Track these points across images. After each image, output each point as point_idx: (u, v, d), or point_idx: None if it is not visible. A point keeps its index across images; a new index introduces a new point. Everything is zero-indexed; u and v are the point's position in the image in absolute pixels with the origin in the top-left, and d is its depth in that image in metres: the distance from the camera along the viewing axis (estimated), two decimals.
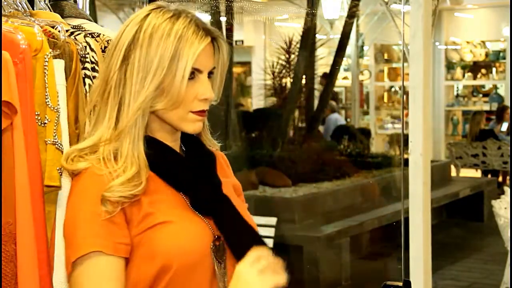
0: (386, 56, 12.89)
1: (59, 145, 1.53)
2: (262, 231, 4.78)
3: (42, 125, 1.52)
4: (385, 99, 13.08)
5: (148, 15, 1.49)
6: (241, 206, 1.59)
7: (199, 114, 1.50)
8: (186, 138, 1.58)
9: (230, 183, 1.64)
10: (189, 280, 1.45)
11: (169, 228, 1.44)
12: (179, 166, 1.52)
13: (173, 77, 1.45)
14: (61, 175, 1.52)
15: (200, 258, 1.46)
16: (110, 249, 1.40)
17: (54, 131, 1.53)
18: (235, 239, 1.50)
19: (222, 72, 1.56)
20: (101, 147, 1.46)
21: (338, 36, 8.94)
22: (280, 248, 5.59)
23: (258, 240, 1.52)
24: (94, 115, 1.50)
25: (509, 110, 10.54)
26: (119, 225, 1.42)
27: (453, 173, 9.95)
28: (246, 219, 1.55)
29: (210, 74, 1.52)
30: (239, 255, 1.47)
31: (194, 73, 1.48)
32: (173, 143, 1.54)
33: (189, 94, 1.48)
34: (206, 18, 7.45)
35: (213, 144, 1.64)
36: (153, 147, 1.49)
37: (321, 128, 9.83)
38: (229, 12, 7.67)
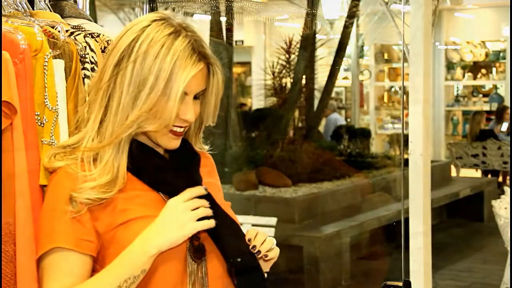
0: (386, 56, 12.89)
1: (55, 145, 1.53)
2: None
3: (41, 125, 1.52)
4: (385, 99, 13.08)
5: (148, 26, 1.47)
6: (224, 204, 1.59)
7: (174, 133, 1.50)
8: None
9: (214, 184, 1.64)
10: (163, 276, 1.45)
11: (142, 223, 1.44)
12: (159, 167, 1.52)
13: (166, 100, 1.44)
14: None
15: (173, 255, 1.45)
16: (71, 244, 1.42)
17: (51, 131, 1.53)
18: (219, 233, 1.48)
19: (217, 97, 1.54)
20: (82, 150, 1.47)
21: (338, 36, 8.94)
22: (280, 248, 5.59)
23: (241, 235, 1.53)
24: (87, 113, 1.50)
25: (509, 110, 10.54)
26: (84, 222, 1.43)
27: (453, 173, 9.95)
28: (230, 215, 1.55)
29: (197, 97, 1.51)
30: (223, 249, 1.48)
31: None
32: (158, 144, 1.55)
33: None
34: (206, 18, 7.46)
35: (202, 147, 1.65)
36: (134, 149, 1.50)
37: (321, 128, 9.83)
38: (229, 12, 7.67)
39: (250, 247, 1.50)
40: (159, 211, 1.46)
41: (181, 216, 1.42)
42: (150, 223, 1.43)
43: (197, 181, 1.54)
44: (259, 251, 1.50)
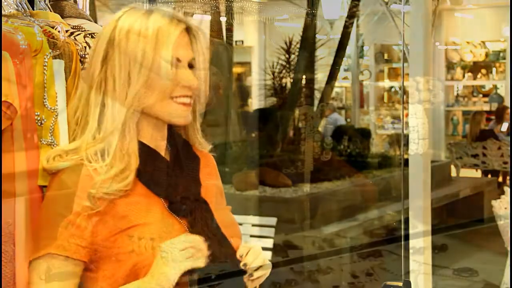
0: (386, 56, 12.88)
1: (55, 145, 1.53)
2: (262, 232, 4.80)
3: (41, 125, 1.52)
4: (385, 99, 13.08)
5: (122, 15, 1.52)
6: (222, 210, 1.60)
7: (183, 104, 1.50)
8: (173, 139, 1.58)
9: (214, 185, 1.64)
10: None
11: (142, 231, 1.45)
12: (160, 169, 1.52)
13: (159, 67, 1.45)
14: None
15: None
16: (67, 251, 1.42)
17: (50, 131, 1.53)
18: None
19: (205, 62, 1.54)
20: (84, 150, 1.47)
21: (338, 36, 8.93)
22: (280, 248, 5.59)
23: (226, 245, 1.52)
24: (82, 118, 1.51)
25: (509, 110, 10.54)
26: (83, 228, 1.43)
27: (453, 173, 9.94)
28: (221, 223, 1.54)
29: (191, 66, 1.52)
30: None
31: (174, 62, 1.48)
32: (160, 142, 1.54)
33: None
34: (206, 18, 7.46)
35: (203, 147, 1.64)
36: (137, 151, 1.49)
37: (321, 128, 9.83)
38: (229, 12, 7.67)
39: (241, 264, 1.49)
40: (158, 217, 1.47)
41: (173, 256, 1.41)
42: (149, 230, 1.44)
43: (196, 186, 1.55)
44: (245, 271, 1.50)
